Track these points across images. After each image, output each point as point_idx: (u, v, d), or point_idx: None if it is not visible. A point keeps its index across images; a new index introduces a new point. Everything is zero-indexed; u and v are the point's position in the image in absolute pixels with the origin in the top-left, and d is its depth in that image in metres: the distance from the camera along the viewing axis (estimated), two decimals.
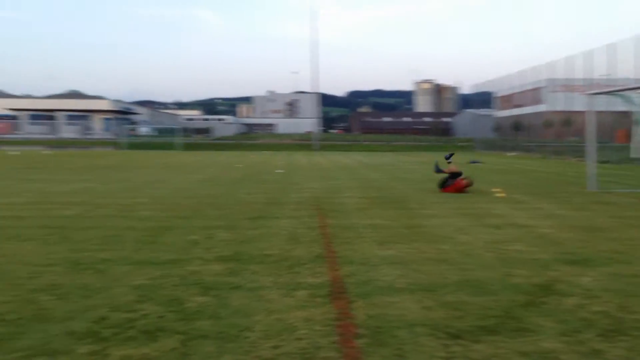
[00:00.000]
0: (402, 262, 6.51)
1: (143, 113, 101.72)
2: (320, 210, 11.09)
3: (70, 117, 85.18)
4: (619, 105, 19.16)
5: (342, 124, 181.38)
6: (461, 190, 14.42)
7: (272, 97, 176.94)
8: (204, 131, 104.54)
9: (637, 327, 4.24)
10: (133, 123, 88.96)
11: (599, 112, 17.22)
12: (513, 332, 4.16)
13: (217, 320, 4.45)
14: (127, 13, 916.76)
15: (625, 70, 44.19)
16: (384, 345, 3.94)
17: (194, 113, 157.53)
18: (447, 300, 4.97)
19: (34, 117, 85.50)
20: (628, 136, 30.62)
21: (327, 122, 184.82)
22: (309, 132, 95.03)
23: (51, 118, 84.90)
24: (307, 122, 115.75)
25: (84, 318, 4.47)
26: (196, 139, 79.24)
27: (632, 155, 17.94)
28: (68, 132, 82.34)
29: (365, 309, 4.74)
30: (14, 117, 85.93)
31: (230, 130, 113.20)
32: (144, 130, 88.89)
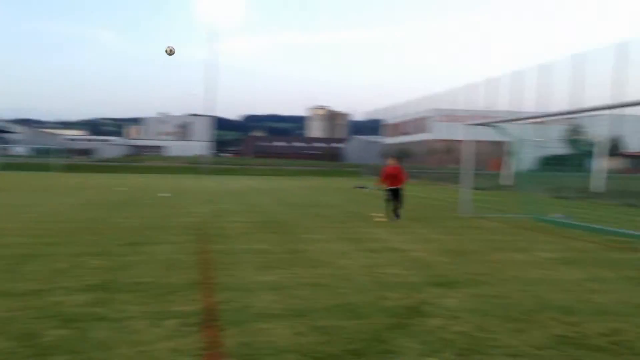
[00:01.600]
0: (279, 287, 6.51)
1: (20, 132, 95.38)
2: (203, 236, 10.88)
3: None
4: (494, 136, 20.49)
5: (235, 148, 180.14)
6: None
7: (163, 118, 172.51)
8: (87, 152, 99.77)
9: (492, 346, 4.49)
10: (6, 142, 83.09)
11: (477, 142, 18.37)
12: (379, 355, 4.26)
13: (74, 355, 4.20)
14: (7, 27, 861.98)
15: (502, 104, 47.46)
16: None
17: (79, 133, 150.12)
18: (319, 325, 5.01)
19: None
20: (499, 165, 32.91)
21: (221, 146, 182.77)
22: (200, 156, 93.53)
23: None
24: (199, 145, 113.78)
25: None
26: (77, 160, 75.32)
27: (502, 182, 19.25)
28: None
29: (237, 336, 4.68)
30: None
31: (116, 152, 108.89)
32: (19, 150, 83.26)
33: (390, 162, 15.44)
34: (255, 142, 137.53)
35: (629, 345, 4.53)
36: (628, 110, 13.42)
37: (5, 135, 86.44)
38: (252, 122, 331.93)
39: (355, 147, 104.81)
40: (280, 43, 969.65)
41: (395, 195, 14.65)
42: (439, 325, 5.06)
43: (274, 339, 4.61)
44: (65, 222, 12.40)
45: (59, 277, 6.77)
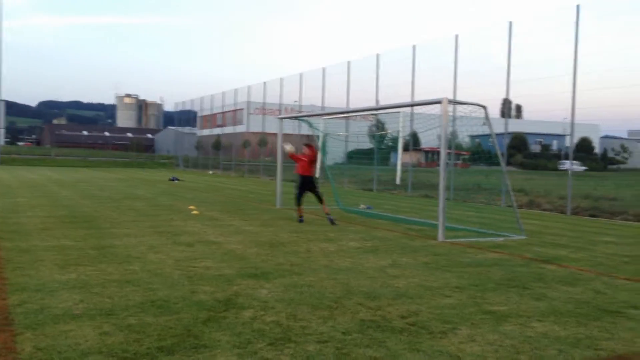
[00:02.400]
0: (84, 285, 6.09)
1: None
2: None
3: None
4: (306, 130, 21.22)
5: (32, 136, 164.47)
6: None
7: None
8: None
9: (302, 334, 4.64)
10: None
11: (289, 135, 18.91)
12: (191, 350, 4.17)
13: None
14: None
15: (313, 98, 49.22)
16: None
17: None
18: (127, 324, 4.77)
19: None
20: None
21: (14, 133, 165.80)
22: None
23: None
24: None
25: None
26: None
27: (317, 175, 20.07)
28: None
29: (34, 340, 4.27)
30: None
31: None
32: None
33: (307, 148, 13.56)
34: (56, 131, 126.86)
35: (424, 325, 4.99)
36: (422, 109, 14.72)
37: None
38: (51, 108, 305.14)
39: (168, 138, 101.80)
40: (83, 25, 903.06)
41: (311, 186, 13.38)
42: (252, 316, 5.11)
43: (76, 341, 4.29)
44: None
45: None
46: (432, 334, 4.76)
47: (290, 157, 13.66)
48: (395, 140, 28.72)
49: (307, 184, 13.29)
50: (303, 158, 13.26)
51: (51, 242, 9.02)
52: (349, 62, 31.01)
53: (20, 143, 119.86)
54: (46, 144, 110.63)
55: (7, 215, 12.36)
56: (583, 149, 65.41)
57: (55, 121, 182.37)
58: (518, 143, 68.16)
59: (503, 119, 21.94)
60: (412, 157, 30.44)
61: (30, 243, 8.83)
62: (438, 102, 11.08)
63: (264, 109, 60.68)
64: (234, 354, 4.12)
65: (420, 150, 48.26)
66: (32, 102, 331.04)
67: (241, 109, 71.23)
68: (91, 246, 8.70)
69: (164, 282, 6.37)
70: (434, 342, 4.53)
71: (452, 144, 22.53)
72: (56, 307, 5.22)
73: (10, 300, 5.38)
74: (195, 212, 14.35)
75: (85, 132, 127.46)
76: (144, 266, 7.27)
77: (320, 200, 13.26)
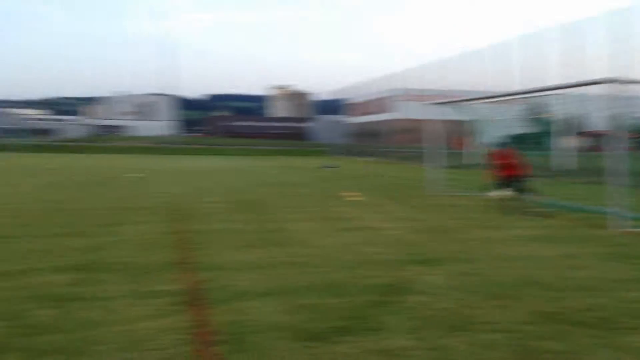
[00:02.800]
0: (260, 266, 6.50)
1: None
2: (178, 216, 10.78)
3: None
4: (458, 115, 20.66)
5: (203, 128, 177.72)
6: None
7: (124, 97, 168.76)
8: (47, 132, 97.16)
9: (476, 322, 4.57)
10: None
11: (442, 121, 18.54)
12: (366, 332, 4.31)
13: (62, 334, 4.13)
14: None
15: (466, 83, 47.71)
16: (243, 350, 3.90)
17: (37, 113, 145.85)
18: (303, 303, 5.03)
19: None
20: (462, 143, 33.30)
21: (187, 125, 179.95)
22: (167, 135, 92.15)
23: None
24: (164, 125, 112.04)
25: None
26: (38, 141, 73.32)
27: (465, 161, 19.54)
28: None
29: (223, 315, 4.67)
30: None
31: (78, 132, 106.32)
32: None
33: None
34: (221, 122, 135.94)
35: (612, 320, 4.65)
36: (589, 89, 13.62)
37: None
38: (217, 101, 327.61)
39: (320, 127, 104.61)
40: (237, 21, 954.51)
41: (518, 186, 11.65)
42: (423, 302, 5.13)
43: (261, 317, 4.62)
44: (35, 202, 12.12)
45: (36, 259, 6.64)
46: (621, 330, 4.43)
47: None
48: (554, 123, 26.96)
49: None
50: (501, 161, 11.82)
51: (227, 225, 9.71)
52: (499, 44, 29.56)
53: (193, 134, 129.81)
54: (214, 135, 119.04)
55: (187, 201, 13.49)
56: None
57: (219, 113, 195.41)
58: None
59: None
60: (579, 141, 28.45)
61: (210, 226, 9.57)
62: (607, 81, 10.19)
63: (415, 95, 59.96)
64: (407, 338, 4.18)
65: (586, 134, 44.85)
66: (202, 96, 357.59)
67: (391, 96, 71.02)
68: (262, 230, 9.23)
69: (335, 266, 6.60)
70: (626, 339, 4.23)
71: (624, 126, 20.67)
72: (239, 285, 5.65)
73: (199, 278, 5.91)
74: (355, 198, 14.64)
75: (246, 123, 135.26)
76: (314, 250, 7.57)
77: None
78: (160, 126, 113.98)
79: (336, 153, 63.33)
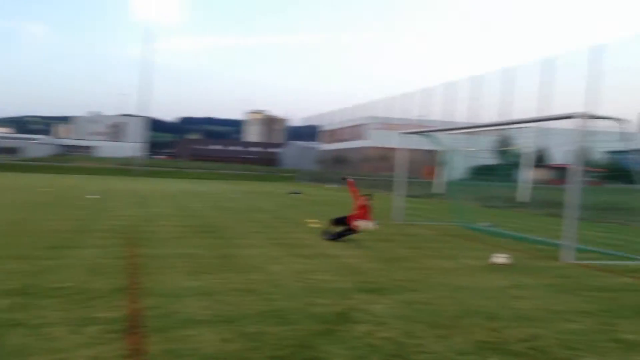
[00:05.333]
0: (208, 293, 6.41)
1: None
2: (132, 240, 10.59)
3: None
4: (428, 145, 20.98)
5: (170, 150, 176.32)
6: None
7: (95, 117, 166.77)
8: (12, 151, 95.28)
9: (417, 352, 4.57)
10: None
11: (411, 150, 18.77)
12: None
13: None
14: None
15: (435, 113, 48.58)
16: None
17: (4, 130, 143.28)
18: (247, 331, 4.96)
19: None
20: (432, 173, 33.76)
21: (155, 147, 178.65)
22: (133, 157, 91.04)
23: None
24: (133, 147, 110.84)
25: None
26: (1, 159, 71.78)
27: (434, 190, 19.76)
28: None
29: (161, 343, 4.57)
30: None
31: (44, 151, 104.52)
32: None
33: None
34: (191, 145, 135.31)
35: (545, 351, 4.72)
36: (553, 124, 13.97)
37: None
38: (188, 124, 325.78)
39: (292, 153, 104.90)
40: (217, 45, 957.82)
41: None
42: (366, 331, 5.11)
43: (200, 346, 4.54)
44: None
45: None
46: None
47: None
48: (520, 156, 27.54)
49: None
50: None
51: (181, 250, 9.58)
52: (472, 77, 30.30)
53: (159, 156, 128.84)
54: (182, 158, 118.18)
55: (144, 224, 13.31)
56: None
57: (190, 136, 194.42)
58: None
59: None
60: (541, 174, 29.02)
61: (163, 250, 9.43)
62: (571, 117, 10.45)
63: (386, 124, 60.66)
64: None
65: (548, 167, 45.81)
66: (173, 119, 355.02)
67: (363, 124, 71.75)
68: (216, 255, 9.13)
69: (283, 293, 6.54)
70: None
71: (586, 160, 21.20)
72: (182, 312, 5.54)
73: (142, 304, 5.79)
74: (314, 224, 14.62)
75: (216, 147, 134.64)
76: (264, 276, 7.51)
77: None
78: (128, 147, 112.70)
79: (304, 179, 63.38)
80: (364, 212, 11.65)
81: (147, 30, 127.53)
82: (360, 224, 11.50)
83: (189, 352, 4.36)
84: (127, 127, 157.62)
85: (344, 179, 13.76)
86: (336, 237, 11.61)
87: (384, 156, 59.48)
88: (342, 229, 11.71)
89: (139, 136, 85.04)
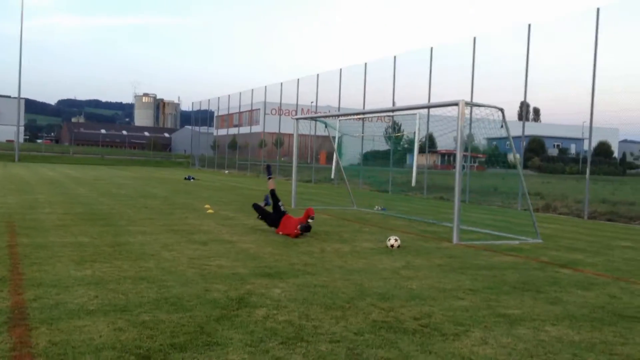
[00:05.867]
0: (99, 282, 6.15)
1: None
2: (12, 228, 9.92)
3: None
4: (323, 131, 21.26)
5: (51, 134, 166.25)
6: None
7: None
8: None
9: (314, 334, 4.65)
10: None
11: (305, 135, 18.93)
12: (203, 347, 4.20)
13: None
14: None
15: (329, 99, 49.06)
16: None
17: None
18: (141, 320, 4.81)
19: None
20: (329, 158, 34.30)
21: (34, 131, 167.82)
22: (10, 141, 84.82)
23: None
24: (9, 130, 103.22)
25: None
26: None
27: (332, 176, 20.12)
28: None
29: (49, 335, 4.32)
30: None
31: None
32: None
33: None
34: (75, 129, 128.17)
35: (436, 327, 4.97)
36: (440, 111, 14.64)
37: None
38: (70, 106, 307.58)
39: (185, 138, 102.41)
40: (104, 25, 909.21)
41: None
42: (265, 315, 5.12)
43: (91, 337, 4.34)
44: None
45: None
46: (445, 336, 4.74)
47: None
48: (411, 142, 28.66)
49: None
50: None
51: (67, 238, 9.12)
52: (365, 64, 30.99)
53: (39, 141, 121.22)
54: (65, 142, 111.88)
55: (25, 212, 12.51)
56: (602, 152, 64.75)
57: (74, 119, 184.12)
58: (536, 146, 67.64)
59: (520, 122, 21.75)
60: (428, 159, 30.32)
61: (48, 239, 8.93)
62: (455, 104, 11.03)
63: (280, 110, 60.79)
64: (245, 352, 4.14)
65: (436, 152, 48.01)
66: (52, 101, 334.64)
67: (258, 109, 71.36)
68: (106, 243, 8.78)
69: (178, 280, 6.41)
70: (446, 345, 4.51)
71: (469, 146, 22.48)
72: (71, 302, 5.28)
73: (26, 295, 5.45)
74: (210, 211, 14.42)
75: (103, 131, 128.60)
76: (158, 264, 7.32)
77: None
78: (4, 131, 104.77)
79: (200, 165, 62.24)
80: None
81: (29, 8, 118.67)
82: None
83: (79, 344, 4.16)
84: (0, 110, 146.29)
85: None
86: (259, 209, 11.39)
87: (278, 141, 59.60)
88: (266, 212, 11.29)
89: (15, 119, 79.33)
